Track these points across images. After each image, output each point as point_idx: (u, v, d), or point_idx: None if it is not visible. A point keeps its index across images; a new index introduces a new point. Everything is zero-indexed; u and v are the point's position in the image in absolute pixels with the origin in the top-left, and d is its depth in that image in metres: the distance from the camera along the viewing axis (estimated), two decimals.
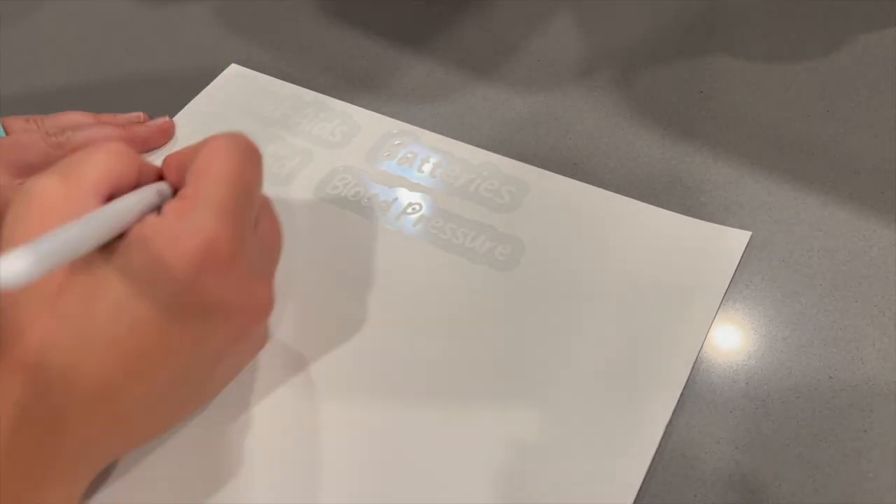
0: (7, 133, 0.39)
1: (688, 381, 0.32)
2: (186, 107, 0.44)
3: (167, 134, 0.43)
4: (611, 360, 0.32)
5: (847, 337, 0.33)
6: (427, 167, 0.40)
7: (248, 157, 0.28)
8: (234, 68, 0.47)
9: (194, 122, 0.44)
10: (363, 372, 0.33)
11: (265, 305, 0.28)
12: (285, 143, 0.42)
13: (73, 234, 0.22)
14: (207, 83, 0.46)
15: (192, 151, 0.28)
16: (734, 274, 0.35)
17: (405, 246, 0.37)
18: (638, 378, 0.32)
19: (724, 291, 0.34)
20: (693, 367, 0.32)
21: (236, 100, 0.45)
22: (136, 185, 0.28)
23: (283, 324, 0.34)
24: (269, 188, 0.40)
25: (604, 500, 0.29)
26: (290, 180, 0.40)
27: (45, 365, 0.24)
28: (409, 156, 0.41)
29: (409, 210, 0.38)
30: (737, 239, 0.36)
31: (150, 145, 0.42)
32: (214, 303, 0.25)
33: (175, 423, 0.30)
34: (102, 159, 0.26)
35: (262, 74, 0.46)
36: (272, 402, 0.32)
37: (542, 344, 0.33)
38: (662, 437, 0.30)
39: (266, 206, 0.30)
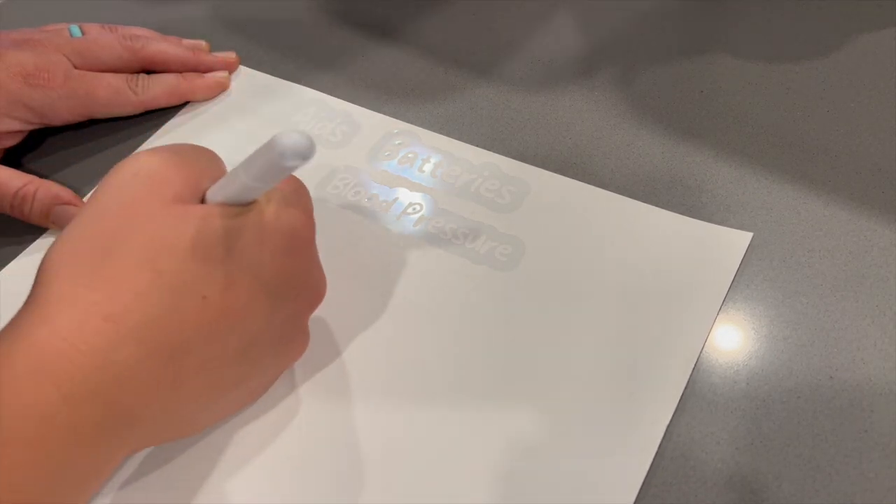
0: (84, 35, 0.43)
1: (688, 381, 0.32)
2: (186, 105, 0.44)
3: (231, 67, 0.46)
4: (611, 361, 0.32)
5: (848, 337, 0.33)
6: (428, 167, 0.40)
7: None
8: None
9: (193, 121, 0.44)
10: (363, 372, 0.33)
11: (322, 289, 0.31)
12: None
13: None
14: None
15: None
16: (735, 274, 0.35)
17: (405, 246, 0.37)
18: (638, 378, 0.32)
19: (725, 292, 0.34)
20: (694, 368, 0.32)
21: (236, 98, 0.45)
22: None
23: None
24: None
25: (604, 500, 0.29)
26: None
27: (132, 315, 0.24)
28: (409, 156, 0.41)
29: (410, 210, 0.38)
30: (738, 240, 0.36)
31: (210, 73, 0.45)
32: (290, 277, 0.28)
33: (217, 415, 0.30)
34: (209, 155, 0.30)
35: (261, 73, 0.46)
36: (271, 402, 0.32)
37: (543, 344, 0.33)
38: (663, 438, 0.30)
39: None
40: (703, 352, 0.33)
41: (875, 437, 0.30)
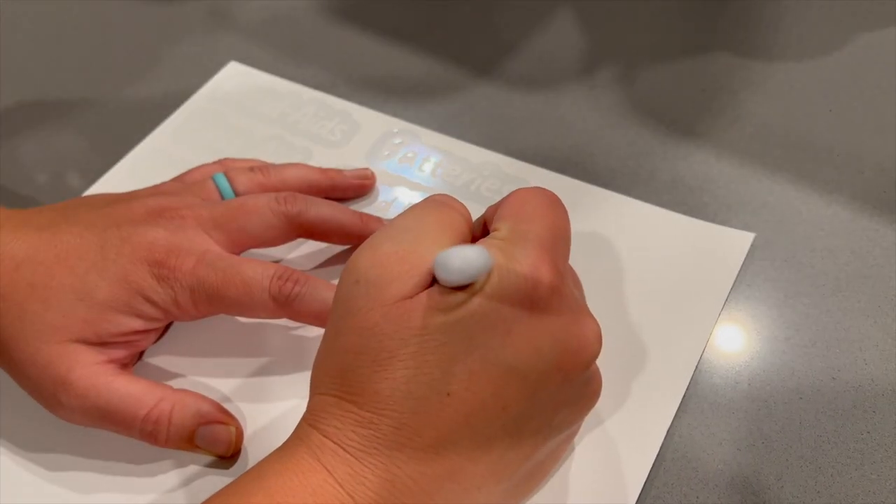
0: (234, 188, 0.35)
1: (690, 382, 0.31)
2: (185, 104, 0.44)
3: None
4: (612, 361, 0.32)
5: (850, 338, 0.33)
6: (427, 166, 0.40)
7: (556, 204, 0.28)
8: (233, 66, 0.46)
9: (193, 120, 0.43)
10: None
11: (590, 337, 0.26)
12: (284, 141, 0.42)
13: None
14: (207, 82, 0.45)
15: (496, 204, 0.29)
16: (736, 274, 0.35)
17: None
18: (640, 379, 0.32)
19: (727, 293, 0.34)
20: (695, 369, 0.32)
21: (235, 98, 0.44)
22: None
23: (283, 323, 0.34)
24: None
25: (606, 500, 0.29)
26: None
27: (383, 422, 0.24)
28: (409, 155, 0.41)
29: None
30: (740, 240, 0.36)
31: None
32: (539, 348, 0.25)
33: (523, 489, 0.28)
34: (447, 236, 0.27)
35: (261, 72, 0.46)
36: (271, 402, 0.32)
37: None
38: (665, 439, 0.30)
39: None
40: (705, 353, 0.32)
41: (877, 438, 0.30)
